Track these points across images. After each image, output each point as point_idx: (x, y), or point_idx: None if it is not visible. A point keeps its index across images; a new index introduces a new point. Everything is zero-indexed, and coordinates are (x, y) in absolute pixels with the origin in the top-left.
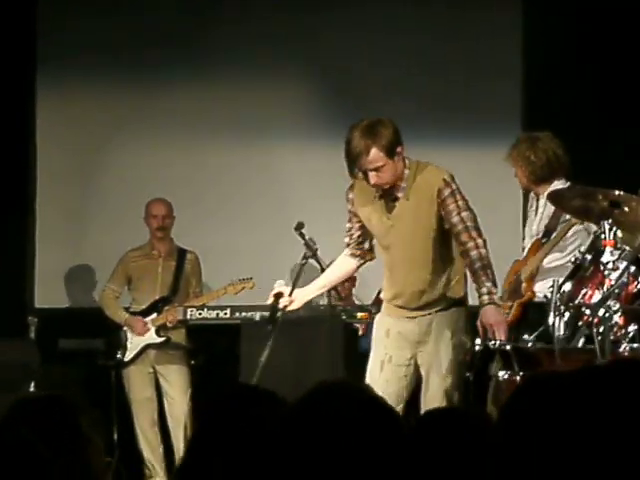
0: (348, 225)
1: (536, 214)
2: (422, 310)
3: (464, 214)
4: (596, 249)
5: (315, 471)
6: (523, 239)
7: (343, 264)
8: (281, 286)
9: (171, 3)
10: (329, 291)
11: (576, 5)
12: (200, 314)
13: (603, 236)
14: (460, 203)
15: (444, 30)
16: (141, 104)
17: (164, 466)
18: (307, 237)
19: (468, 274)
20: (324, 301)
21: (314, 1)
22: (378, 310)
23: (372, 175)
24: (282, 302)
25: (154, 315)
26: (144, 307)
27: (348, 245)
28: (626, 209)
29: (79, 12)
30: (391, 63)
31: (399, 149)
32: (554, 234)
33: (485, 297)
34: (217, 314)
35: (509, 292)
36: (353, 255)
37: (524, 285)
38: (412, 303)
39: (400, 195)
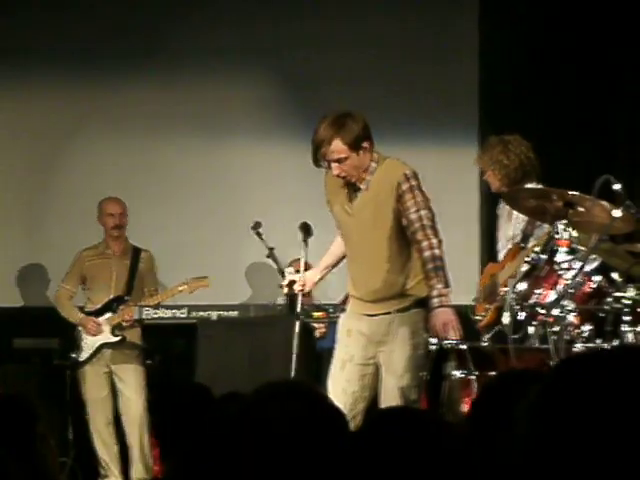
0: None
1: (509, 218)
2: (381, 305)
3: (422, 212)
4: (551, 249)
5: (261, 469)
6: (489, 241)
7: (341, 244)
8: (291, 274)
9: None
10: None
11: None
12: (156, 313)
13: (557, 236)
14: (419, 199)
15: (410, 17)
16: (100, 102)
17: (119, 465)
18: (263, 236)
19: None
20: (281, 300)
21: None
22: (337, 310)
23: (335, 166)
24: (296, 288)
25: (109, 314)
26: (99, 307)
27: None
28: (580, 209)
29: (37, 3)
30: (355, 55)
31: (365, 144)
32: (531, 238)
33: (435, 300)
34: (174, 313)
35: (485, 295)
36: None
37: (502, 289)
38: (369, 296)
39: (363, 187)
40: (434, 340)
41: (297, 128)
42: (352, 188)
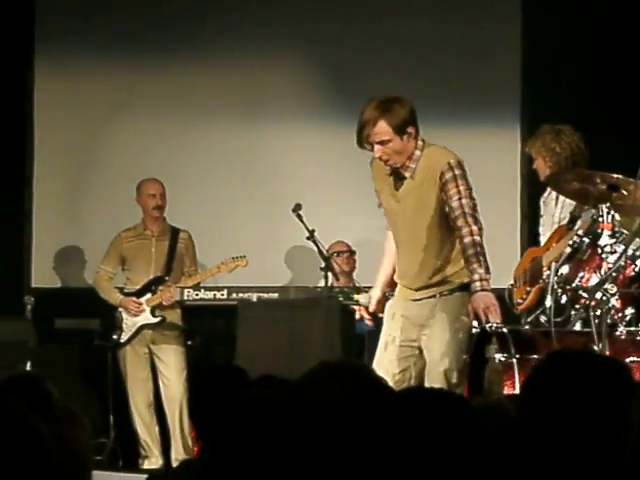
0: (379, 202)
1: (556, 203)
2: (425, 291)
3: (464, 201)
4: (594, 232)
5: (313, 451)
6: (536, 226)
7: (393, 249)
8: (365, 300)
9: None
10: (326, 273)
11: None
12: (197, 295)
13: (601, 219)
14: (461, 189)
15: (443, 13)
16: (139, 86)
17: (159, 446)
18: (304, 219)
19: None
20: (322, 283)
21: None
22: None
23: (377, 148)
24: (371, 309)
25: (148, 295)
26: (139, 287)
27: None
28: (624, 192)
29: None
30: (391, 47)
31: (410, 129)
32: (579, 221)
33: (477, 283)
34: (214, 295)
35: (529, 278)
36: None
37: (545, 271)
38: (414, 283)
39: (407, 175)
40: (476, 323)
41: (340, 111)
42: (397, 176)
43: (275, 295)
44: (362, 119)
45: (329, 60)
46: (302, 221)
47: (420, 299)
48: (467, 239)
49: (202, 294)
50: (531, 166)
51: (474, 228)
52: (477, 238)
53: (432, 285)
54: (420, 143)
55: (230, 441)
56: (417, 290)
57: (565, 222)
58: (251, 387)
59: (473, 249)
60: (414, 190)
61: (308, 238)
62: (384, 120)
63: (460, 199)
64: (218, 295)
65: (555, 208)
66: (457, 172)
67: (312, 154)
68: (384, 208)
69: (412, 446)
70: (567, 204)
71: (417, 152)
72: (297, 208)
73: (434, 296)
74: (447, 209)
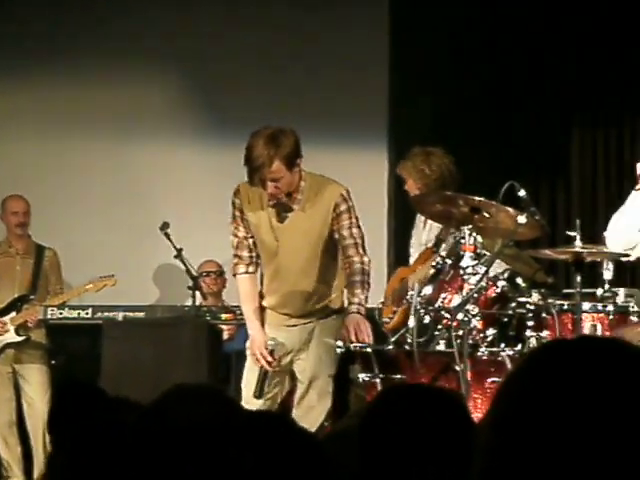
0: (241, 233)
1: (424, 225)
2: (305, 318)
3: (354, 230)
4: (456, 254)
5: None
6: (404, 246)
7: (255, 285)
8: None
9: None
10: (194, 292)
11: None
12: (61, 313)
13: (463, 241)
14: (353, 220)
15: (309, 27)
16: (7, 100)
17: (21, 466)
18: (172, 237)
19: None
20: (189, 302)
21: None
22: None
23: (270, 185)
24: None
25: (13, 314)
26: (3, 306)
27: (250, 257)
28: (486, 215)
29: None
30: (267, 63)
31: (298, 161)
32: (444, 244)
33: (354, 306)
34: (78, 314)
35: (397, 297)
36: (255, 267)
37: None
38: (298, 311)
39: (295, 207)
40: (340, 343)
41: (207, 132)
42: (282, 208)
43: (141, 314)
44: (255, 160)
45: (199, 77)
46: (170, 239)
47: (296, 325)
48: (357, 266)
49: (66, 313)
50: (399, 187)
51: (365, 259)
52: (367, 268)
53: (315, 311)
54: (302, 173)
55: (80, 463)
56: (299, 317)
57: (431, 244)
58: (107, 409)
59: (361, 276)
60: (302, 221)
61: (176, 257)
62: (278, 159)
63: (351, 228)
64: (82, 314)
65: (423, 230)
66: (350, 203)
67: (182, 173)
68: (259, 240)
69: (265, 470)
70: (434, 227)
71: (302, 183)
72: (164, 227)
73: (311, 321)
74: (337, 237)
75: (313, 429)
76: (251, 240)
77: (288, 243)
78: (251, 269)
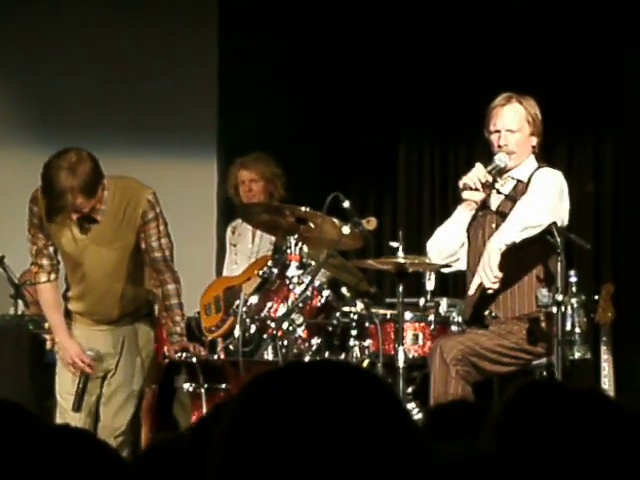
0: (40, 242)
1: (253, 233)
2: (114, 324)
3: (163, 241)
4: (282, 263)
5: None
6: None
7: (57, 292)
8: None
9: None
10: (16, 300)
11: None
12: None
13: (289, 251)
14: (161, 228)
15: (139, 36)
16: None
17: None
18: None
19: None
20: (11, 310)
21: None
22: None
23: (74, 214)
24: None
25: None
26: None
27: (51, 265)
28: (312, 225)
29: None
30: (94, 73)
31: (100, 185)
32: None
33: (177, 337)
34: None
35: (224, 307)
36: (57, 273)
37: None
38: (109, 316)
39: (99, 217)
40: (166, 352)
41: (25, 137)
42: (84, 219)
43: None
44: (56, 198)
45: (28, 88)
46: (7, 272)
47: (106, 329)
48: (171, 286)
49: None
50: (227, 194)
51: (176, 275)
52: (179, 287)
53: (125, 315)
54: (106, 183)
55: None
56: (109, 323)
57: (264, 252)
58: None
59: (177, 299)
60: (107, 232)
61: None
62: (81, 195)
63: (159, 239)
64: None
65: (253, 238)
66: (158, 209)
67: (2, 178)
68: (62, 251)
69: None
70: (266, 235)
71: (106, 193)
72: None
73: (121, 325)
74: (144, 246)
75: (121, 430)
76: (51, 248)
77: (93, 255)
78: (52, 277)
